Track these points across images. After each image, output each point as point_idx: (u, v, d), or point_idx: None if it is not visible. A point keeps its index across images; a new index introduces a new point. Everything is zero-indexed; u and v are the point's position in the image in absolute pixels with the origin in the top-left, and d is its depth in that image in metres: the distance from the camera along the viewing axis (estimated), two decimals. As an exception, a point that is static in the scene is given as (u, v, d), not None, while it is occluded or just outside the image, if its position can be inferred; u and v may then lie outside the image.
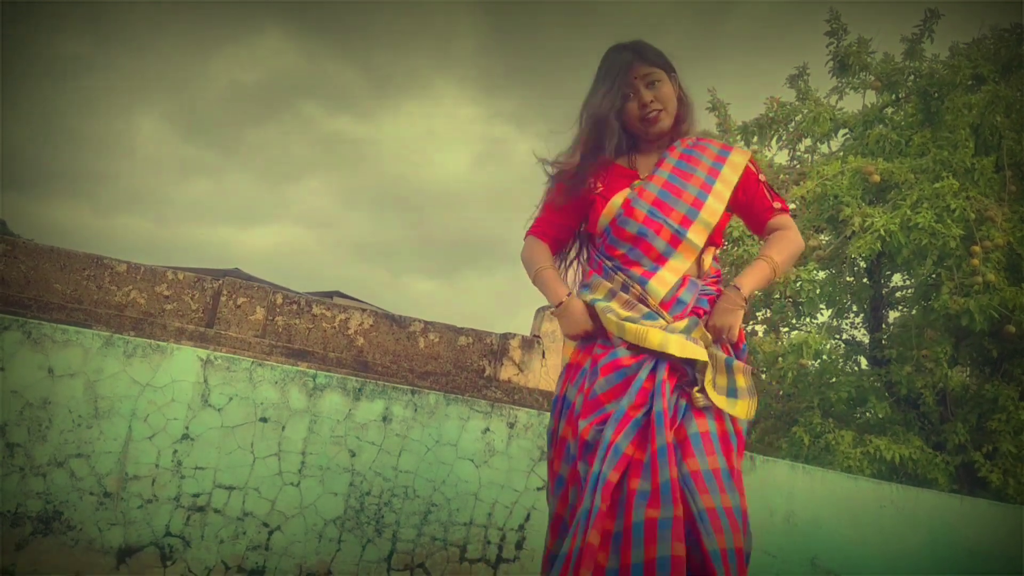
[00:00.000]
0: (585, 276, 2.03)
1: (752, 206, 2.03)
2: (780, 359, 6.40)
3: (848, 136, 7.52)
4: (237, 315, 4.46)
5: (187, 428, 2.57)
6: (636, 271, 1.89)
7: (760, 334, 7.46)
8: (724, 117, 7.92)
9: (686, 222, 1.90)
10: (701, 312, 1.88)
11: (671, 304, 1.86)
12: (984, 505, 4.16)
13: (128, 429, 2.47)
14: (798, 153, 7.93)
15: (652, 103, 1.98)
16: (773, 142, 7.79)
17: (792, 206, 7.02)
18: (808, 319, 7.27)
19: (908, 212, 5.65)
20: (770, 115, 7.61)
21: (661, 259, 1.89)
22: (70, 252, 3.80)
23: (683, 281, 1.89)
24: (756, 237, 6.34)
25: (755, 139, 7.73)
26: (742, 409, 1.79)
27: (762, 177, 2.04)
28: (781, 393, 7.24)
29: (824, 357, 6.96)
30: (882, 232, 5.62)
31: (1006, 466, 5.85)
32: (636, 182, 1.99)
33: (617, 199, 1.95)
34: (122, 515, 2.43)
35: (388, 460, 2.81)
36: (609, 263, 1.94)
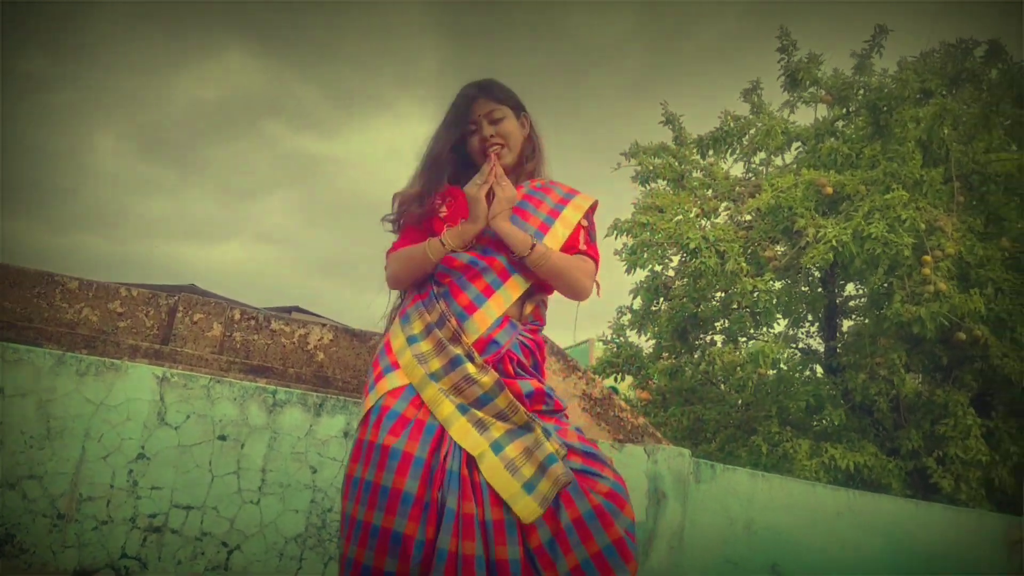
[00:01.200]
0: (405, 306, 1.96)
1: (565, 244, 2.00)
2: (739, 369, 6.48)
3: (801, 149, 7.67)
4: (193, 331, 4.40)
5: (143, 447, 2.52)
6: (459, 303, 1.86)
7: (719, 344, 7.55)
8: (679, 131, 8.02)
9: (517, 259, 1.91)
10: (516, 358, 1.85)
11: (486, 344, 1.83)
12: (939, 510, 4.24)
13: (82, 449, 2.42)
14: (753, 166, 8.06)
15: (493, 138, 2.00)
16: (728, 155, 7.91)
17: (748, 217, 7.13)
18: (765, 329, 7.38)
19: (861, 223, 5.78)
20: (724, 128, 7.73)
21: (489, 290, 1.88)
22: (19, 268, 3.72)
23: (503, 321, 1.88)
24: (717, 249, 6.44)
25: (710, 152, 7.84)
26: (524, 509, 1.65)
27: (585, 223, 2.03)
28: (740, 403, 7.33)
29: (782, 366, 7.07)
30: (834, 243, 5.74)
31: (957, 472, 5.97)
32: None
33: (458, 227, 1.93)
34: (76, 537, 2.37)
35: (350, 476, 2.79)
36: (437, 289, 1.90)
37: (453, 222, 1.94)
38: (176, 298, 4.40)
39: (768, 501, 3.71)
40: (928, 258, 5.82)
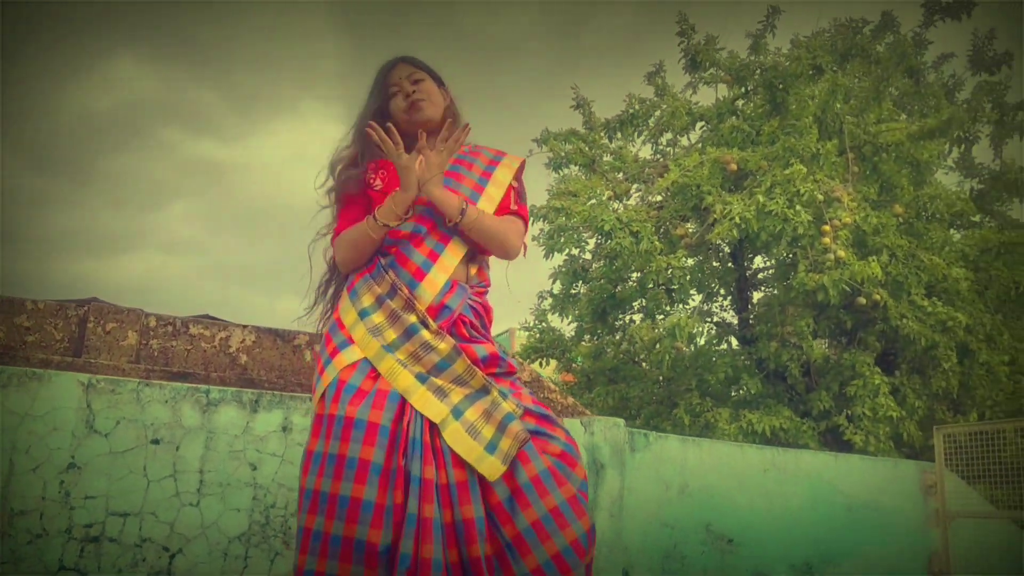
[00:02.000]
0: (352, 281, 1.96)
1: (499, 206, 2.06)
2: (658, 345, 6.65)
3: (705, 128, 7.90)
4: (107, 341, 4.26)
5: (73, 457, 2.44)
6: (407, 270, 1.89)
7: (637, 322, 7.73)
8: (589, 115, 8.16)
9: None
10: (468, 320, 1.90)
11: (438, 310, 1.86)
12: (856, 460, 4.48)
13: (9, 463, 2.33)
14: (660, 147, 8.26)
15: (415, 93, 2.04)
16: (635, 137, 8.09)
17: (658, 198, 7.31)
18: (681, 305, 7.59)
19: (762, 199, 6.01)
20: (630, 111, 7.91)
21: (433, 255, 1.92)
22: (-83, 286, 3.52)
23: (451, 286, 1.92)
24: (631, 229, 6.58)
25: (618, 135, 8.00)
26: (488, 468, 1.70)
27: (515, 184, 2.10)
28: (662, 378, 7.52)
29: (699, 341, 7.29)
30: (738, 219, 5.97)
31: (867, 427, 6.29)
32: None
33: (388, 201, 1.94)
34: (11, 552, 2.28)
35: (291, 470, 2.76)
36: (383, 259, 1.93)
37: (390, 190, 1.95)
38: (86, 308, 4.25)
39: (699, 464, 3.84)
40: (827, 228, 6.11)
